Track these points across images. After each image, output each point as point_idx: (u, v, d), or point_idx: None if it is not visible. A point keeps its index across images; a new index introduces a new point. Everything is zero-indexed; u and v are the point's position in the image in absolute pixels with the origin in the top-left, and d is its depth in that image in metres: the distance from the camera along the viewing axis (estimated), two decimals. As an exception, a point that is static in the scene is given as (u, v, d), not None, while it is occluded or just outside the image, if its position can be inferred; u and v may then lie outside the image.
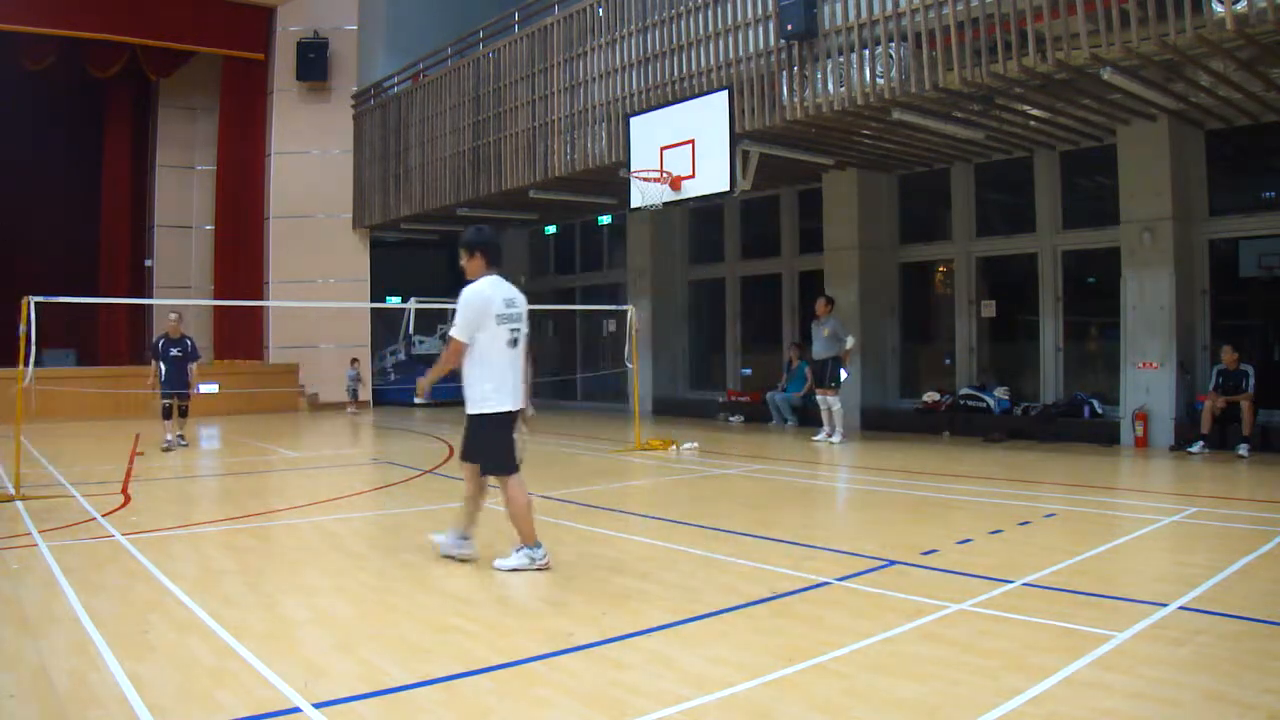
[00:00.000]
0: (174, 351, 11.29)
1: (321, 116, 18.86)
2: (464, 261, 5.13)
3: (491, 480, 5.18)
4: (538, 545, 5.04)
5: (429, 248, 22.81)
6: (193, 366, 11.44)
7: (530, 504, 5.09)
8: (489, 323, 4.93)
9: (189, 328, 15.35)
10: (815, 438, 11.77)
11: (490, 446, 5.05)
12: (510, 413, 5.01)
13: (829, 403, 11.68)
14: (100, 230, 19.11)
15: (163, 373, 11.25)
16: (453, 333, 4.96)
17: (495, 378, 4.96)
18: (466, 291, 4.99)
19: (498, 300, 4.96)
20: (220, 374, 17.44)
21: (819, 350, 11.78)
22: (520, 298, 5.14)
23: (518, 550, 5.05)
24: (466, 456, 5.17)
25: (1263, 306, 11.06)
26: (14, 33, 16.15)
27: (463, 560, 5.19)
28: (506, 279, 5.12)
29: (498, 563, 5.08)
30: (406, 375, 19.32)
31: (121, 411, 15.83)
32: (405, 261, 21.90)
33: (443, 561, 5.29)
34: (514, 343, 5.02)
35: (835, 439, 11.46)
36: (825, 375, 11.70)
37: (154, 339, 11.78)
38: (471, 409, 5.03)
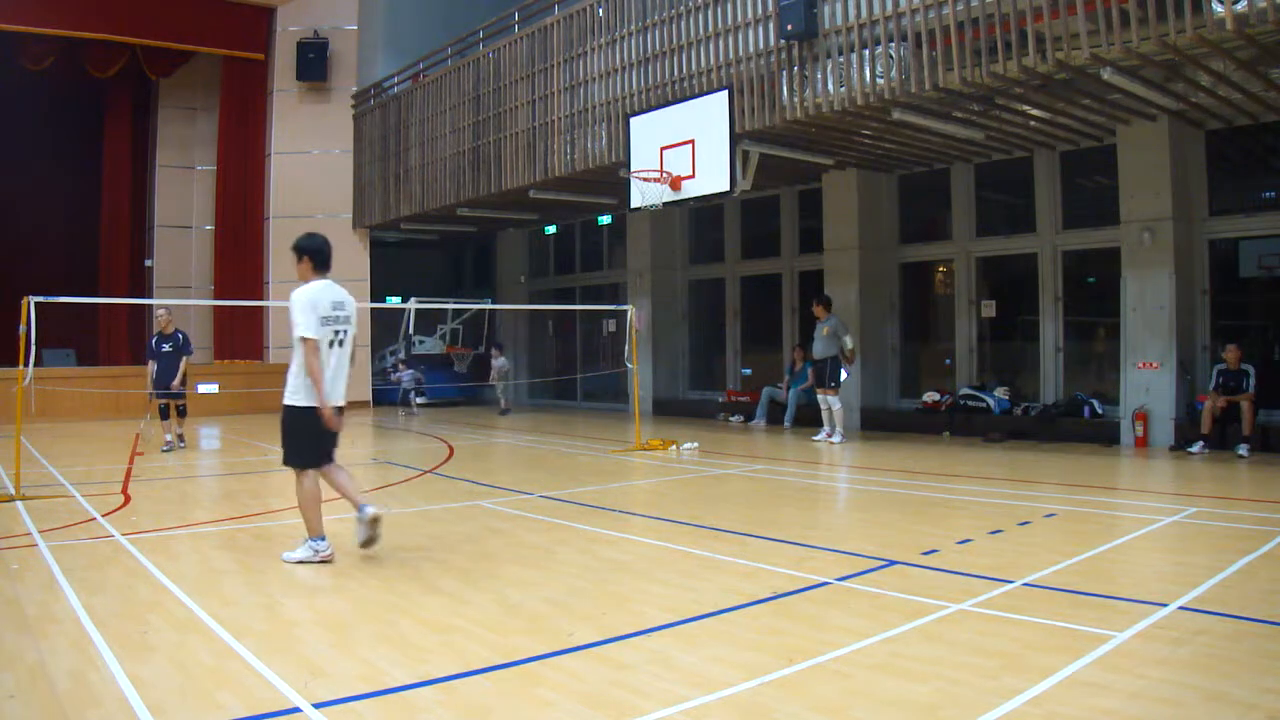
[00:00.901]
0: (166, 347, 11.20)
1: (321, 116, 18.85)
2: (295, 264, 5.47)
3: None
4: (321, 537, 5.27)
5: (429, 248, 22.84)
6: (184, 362, 11.21)
7: (319, 498, 5.30)
8: (314, 324, 5.23)
9: (189, 326, 15.38)
10: (815, 438, 11.77)
11: (293, 437, 5.32)
12: (319, 409, 5.22)
13: (829, 402, 11.70)
14: (100, 230, 19.09)
15: (154, 371, 11.20)
16: (300, 333, 5.19)
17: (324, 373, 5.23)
18: (297, 293, 5.29)
19: (325, 303, 5.29)
20: (220, 374, 17.43)
21: (819, 350, 11.83)
22: (350, 301, 5.47)
23: (304, 542, 5.28)
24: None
25: (1263, 306, 11.06)
26: (14, 33, 16.14)
27: (367, 544, 5.32)
28: (337, 283, 5.46)
29: (285, 555, 5.30)
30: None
31: (121, 411, 15.82)
32: (405, 261, 21.92)
33: (442, 561, 5.30)
34: (338, 344, 5.35)
35: (835, 439, 11.47)
36: (825, 375, 11.75)
37: (149, 339, 11.75)
38: (286, 400, 5.31)
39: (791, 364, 14.34)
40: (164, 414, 11.36)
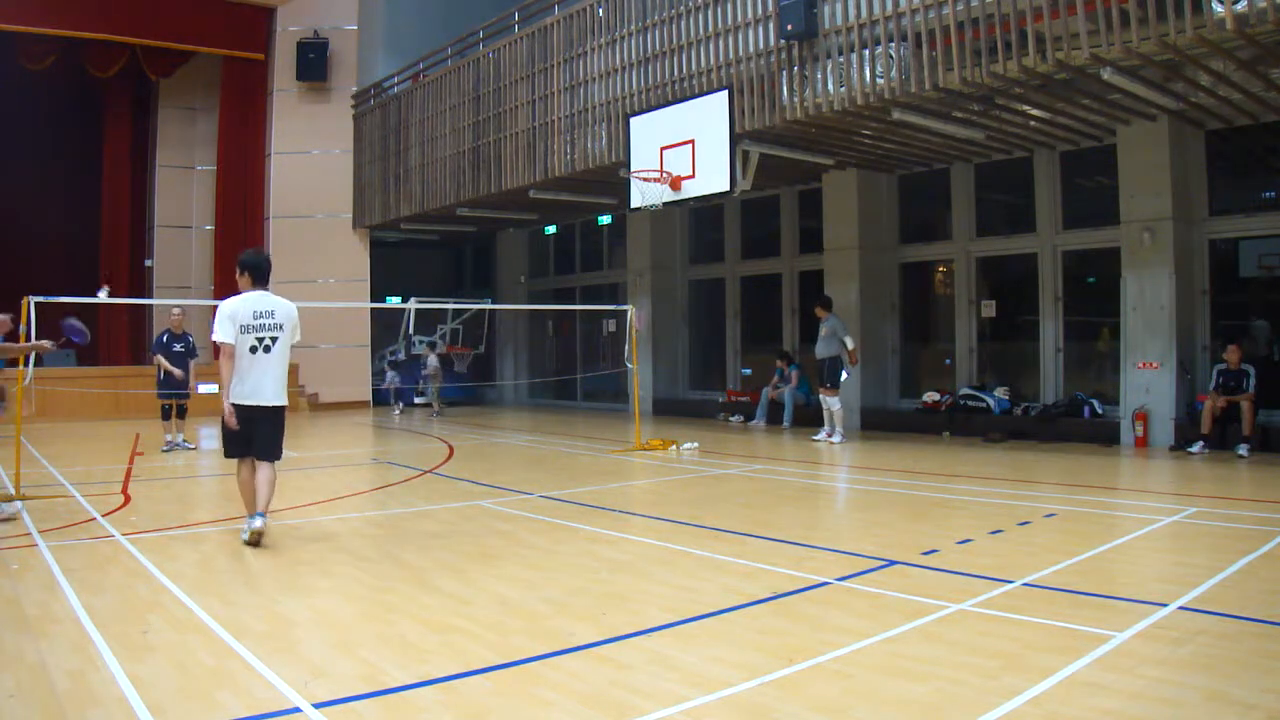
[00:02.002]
0: (176, 347, 11.27)
1: (321, 116, 18.85)
2: (237, 277, 5.96)
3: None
4: (255, 515, 5.71)
5: (429, 248, 22.82)
6: (191, 364, 11.37)
7: (245, 484, 5.82)
8: (232, 330, 5.70)
9: (189, 326, 15.41)
10: (815, 437, 11.77)
11: (224, 430, 5.86)
12: (241, 405, 5.72)
13: (829, 403, 11.68)
14: (100, 230, 19.09)
15: (161, 370, 11.25)
16: (213, 337, 5.77)
17: (237, 375, 5.72)
18: (221, 303, 5.86)
19: (246, 312, 5.75)
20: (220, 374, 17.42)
21: (819, 350, 11.82)
22: (282, 310, 5.86)
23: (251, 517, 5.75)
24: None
25: (1263, 306, 11.06)
26: (14, 33, 16.14)
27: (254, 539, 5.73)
28: (274, 295, 5.93)
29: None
30: (407, 375, 19.33)
31: (121, 411, 15.82)
32: (405, 261, 21.92)
33: (443, 561, 5.30)
34: (263, 349, 5.76)
35: (835, 439, 11.46)
36: (824, 375, 11.73)
37: (158, 334, 11.78)
38: None
39: (780, 370, 14.35)
40: (165, 415, 11.36)
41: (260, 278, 5.90)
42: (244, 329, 5.72)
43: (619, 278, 18.34)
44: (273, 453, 5.88)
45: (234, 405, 5.71)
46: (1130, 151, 10.67)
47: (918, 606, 4.21)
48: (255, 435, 5.80)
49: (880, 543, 5.68)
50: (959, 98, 9.39)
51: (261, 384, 5.75)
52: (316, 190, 18.71)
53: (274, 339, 5.78)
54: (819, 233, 14.09)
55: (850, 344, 11.71)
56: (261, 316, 5.77)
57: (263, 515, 5.76)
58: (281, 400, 5.86)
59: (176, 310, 11.70)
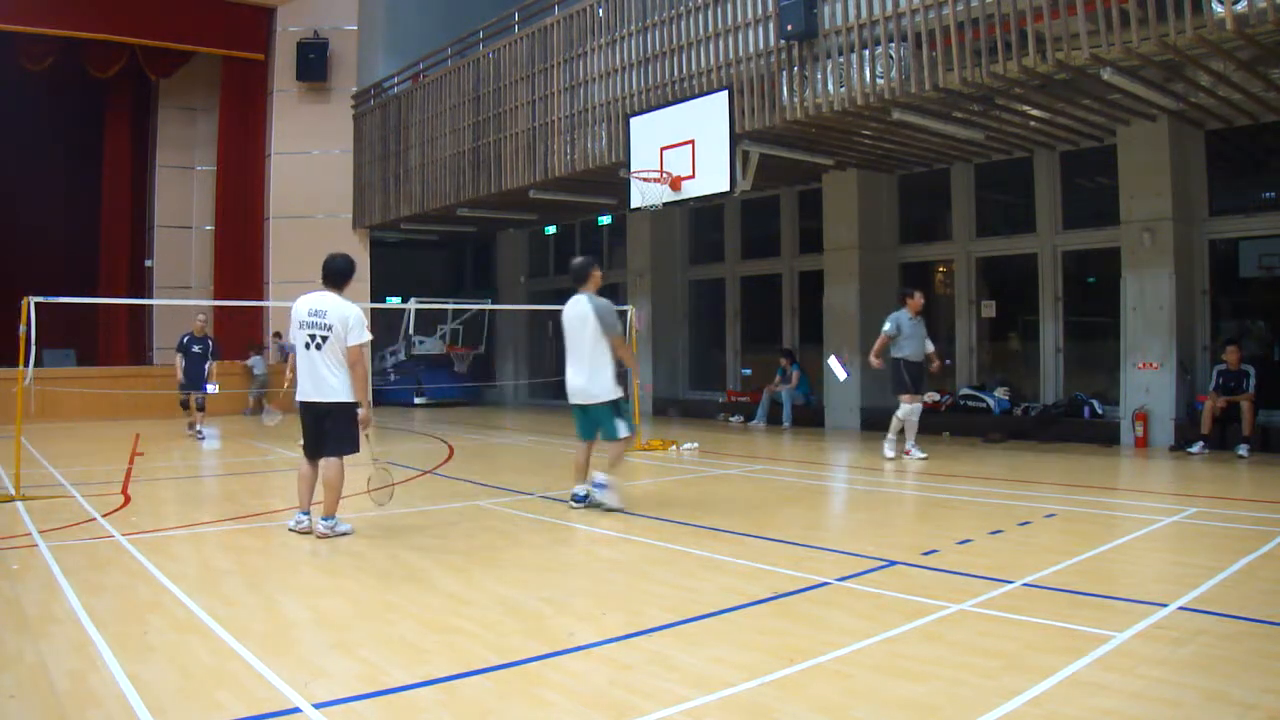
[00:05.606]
0: (195, 349, 12.54)
1: (321, 116, 18.84)
2: None
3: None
4: (299, 512, 6.07)
5: (429, 248, 22.83)
6: (210, 365, 12.63)
7: (302, 477, 6.12)
8: (295, 329, 5.99)
9: (188, 327, 15.50)
10: (920, 455, 9.86)
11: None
12: (300, 402, 5.99)
13: (915, 411, 9.85)
14: (100, 230, 19.08)
15: (180, 369, 12.55)
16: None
17: (297, 372, 6.00)
18: None
19: (303, 310, 5.97)
20: (220, 374, 17.37)
21: (918, 351, 9.94)
22: (335, 310, 5.89)
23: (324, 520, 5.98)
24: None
25: (1263, 306, 11.06)
26: (14, 33, 16.13)
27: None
28: (336, 296, 6.02)
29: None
30: (406, 375, 19.34)
31: (121, 411, 15.82)
32: (405, 261, 21.92)
33: (443, 561, 5.30)
34: (315, 347, 5.89)
35: (917, 452, 9.88)
36: (923, 380, 10.01)
37: (180, 336, 12.97)
38: None
39: (782, 369, 14.35)
40: (184, 405, 12.82)
41: (325, 278, 6.10)
42: (300, 325, 5.93)
43: (619, 278, 18.32)
44: (332, 449, 5.99)
45: (298, 402, 6.00)
46: (1130, 152, 10.67)
47: (918, 606, 4.21)
48: (318, 432, 6.00)
49: (880, 543, 5.68)
50: (959, 98, 9.39)
51: (309, 380, 5.93)
52: (316, 190, 18.70)
53: (324, 338, 5.88)
54: (819, 233, 14.09)
55: (930, 345, 10.18)
56: (314, 315, 5.93)
57: (306, 514, 6.02)
58: (326, 397, 5.89)
59: (200, 316, 13.08)
